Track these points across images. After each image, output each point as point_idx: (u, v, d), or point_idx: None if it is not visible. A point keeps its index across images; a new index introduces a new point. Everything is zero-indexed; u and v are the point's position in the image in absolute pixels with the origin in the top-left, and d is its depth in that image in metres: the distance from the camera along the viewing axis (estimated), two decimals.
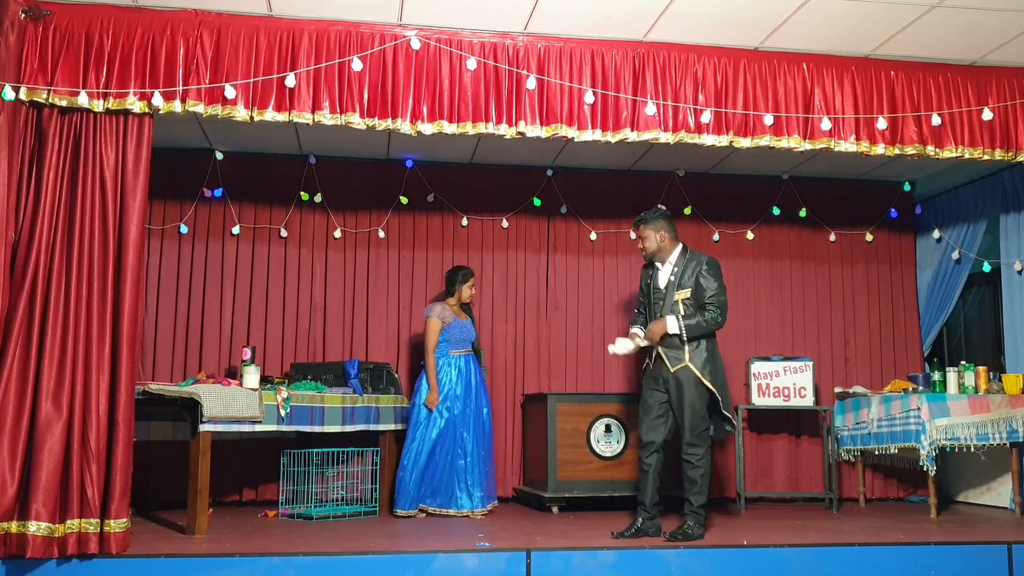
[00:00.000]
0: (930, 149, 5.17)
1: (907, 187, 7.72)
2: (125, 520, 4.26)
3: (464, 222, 7.23)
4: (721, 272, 5.13)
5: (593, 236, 7.37)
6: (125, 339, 4.36)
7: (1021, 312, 6.66)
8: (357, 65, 4.71)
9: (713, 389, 4.97)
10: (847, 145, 5.11)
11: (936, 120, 5.18)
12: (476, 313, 7.18)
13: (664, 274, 5.17)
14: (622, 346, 5.19)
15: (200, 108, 4.56)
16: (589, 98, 4.91)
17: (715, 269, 5.10)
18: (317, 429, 5.67)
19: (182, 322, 6.76)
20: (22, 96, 4.37)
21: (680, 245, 5.21)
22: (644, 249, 5.23)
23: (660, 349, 5.07)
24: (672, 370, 5.02)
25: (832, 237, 7.61)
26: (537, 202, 7.30)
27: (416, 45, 4.80)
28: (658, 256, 5.19)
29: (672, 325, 5.01)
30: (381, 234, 7.11)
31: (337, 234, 7.05)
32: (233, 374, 6.41)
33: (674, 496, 5.48)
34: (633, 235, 5.39)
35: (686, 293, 5.04)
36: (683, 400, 4.98)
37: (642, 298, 5.34)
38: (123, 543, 4.25)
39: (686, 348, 4.99)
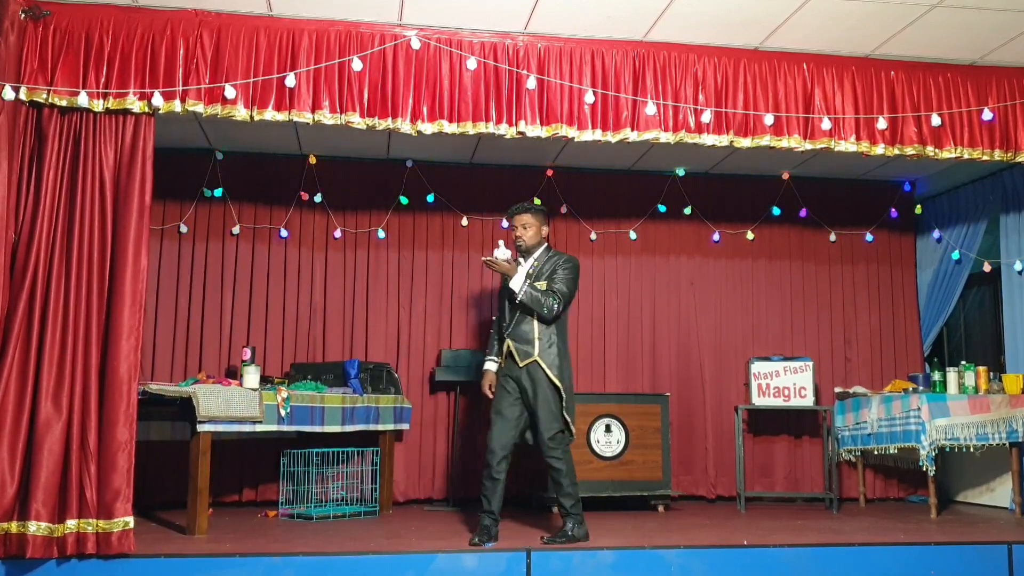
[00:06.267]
0: (930, 149, 5.17)
1: (907, 187, 7.72)
2: (121, 520, 4.23)
3: (464, 222, 7.23)
4: (577, 273, 5.05)
5: (593, 236, 7.37)
6: (123, 337, 4.35)
7: (1021, 312, 6.65)
8: (357, 65, 4.71)
9: (560, 387, 4.85)
10: (847, 145, 5.10)
11: (936, 120, 5.17)
12: (477, 313, 7.19)
13: (524, 268, 5.03)
14: (503, 253, 4.95)
15: (200, 108, 4.56)
16: (589, 98, 4.91)
17: (573, 267, 5.03)
18: (317, 429, 5.67)
19: (182, 322, 6.76)
20: (22, 96, 4.37)
21: (546, 244, 5.14)
22: (522, 240, 5.05)
23: (509, 343, 4.96)
24: (521, 365, 4.89)
25: (832, 237, 7.61)
26: (537, 202, 7.30)
27: (416, 45, 4.80)
28: (528, 251, 5.07)
29: (518, 280, 4.91)
30: (381, 234, 7.11)
31: (337, 234, 7.06)
32: (233, 374, 6.41)
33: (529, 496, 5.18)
34: (505, 223, 5.15)
35: (543, 285, 4.95)
36: (538, 397, 4.84)
37: (501, 294, 5.13)
38: (122, 543, 4.22)
39: (536, 344, 4.90)
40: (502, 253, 4.96)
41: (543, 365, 4.87)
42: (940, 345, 7.75)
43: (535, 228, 5.07)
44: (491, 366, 5.14)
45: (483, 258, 5.01)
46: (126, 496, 4.27)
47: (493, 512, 4.81)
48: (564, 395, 4.87)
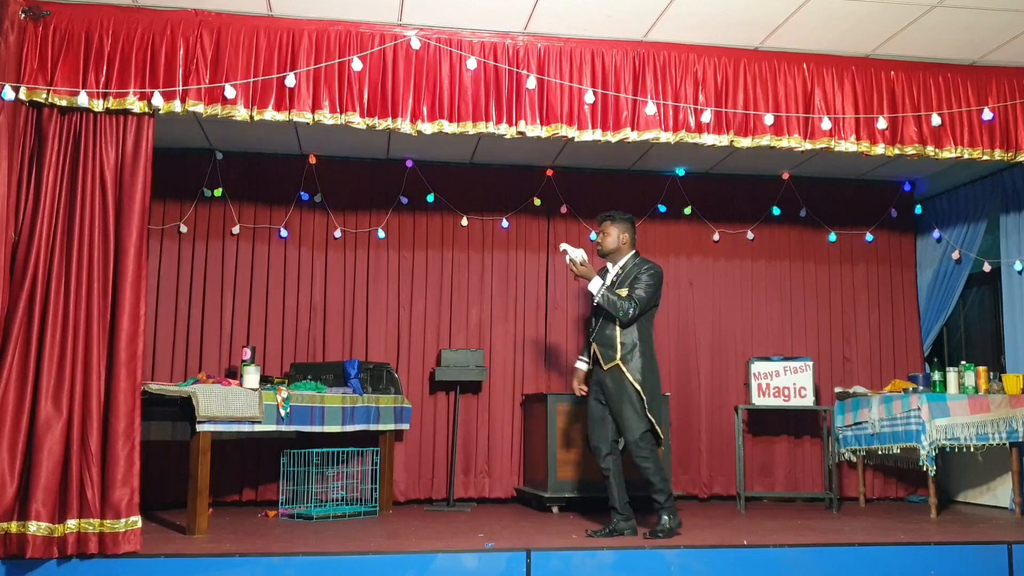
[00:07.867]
0: (930, 149, 5.18)
1: (907, 187, 7.72)
2: (123, 520, 4.23)
3: (464, 222, 7.23)
4: (659, 281, 5.12)
5: (593, 236, 7.33)
6: (125, 337, 4.35)
7: (1021, 312, 6.65)
8: (357, 65, 4.71)
9: (640, 390, 4.93)
10: (847, 145, 5.11)
11: (936, 120, 5.18)
12: (477, 313, 7.19)
13: (610, 276, 5.20)
14: (576, 254, 5.10)
15: (200, 108, 4.56)
16: (589, 98, 4.91)
17: (654, 275, 5.10)
18: (317, 429, 5.67)
19: (182, 322, 6.76)
20: (22, 96, 4.37)
21: (634, 251, 5.24)
22: (601, 245, 5.24)
23: (595, 346, 5.15)
24: (605, 368, 5.04)
25: (832, 237, 7.61)
26: (537, 202, 7.30)
27: (416, 45, 4.80)
28: (611, 256, 5.23)
29: (596, 283, 5.07)
30: (381, 234, 7.11)
31: (337, 234, 7.06)
32: (233, 374, 6.41)
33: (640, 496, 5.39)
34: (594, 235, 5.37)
35: (624, 291, 5.04)
36: (618, 400, 4.98)
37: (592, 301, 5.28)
38: (130, 542, 4.22)
39: (618, 348, 5.00)
40: (576, 253, 5.09)
41: (624, 369, 4.98)
42: (940, 345, 7.75)
43: (613, 235, 5.21)
44: (581, 365, 5.38)
45: (570, 259, 5.11)
46: (134, 496, 4.28)
47: (616, 507, 5.08)
48: (646, 397, 4.96)
